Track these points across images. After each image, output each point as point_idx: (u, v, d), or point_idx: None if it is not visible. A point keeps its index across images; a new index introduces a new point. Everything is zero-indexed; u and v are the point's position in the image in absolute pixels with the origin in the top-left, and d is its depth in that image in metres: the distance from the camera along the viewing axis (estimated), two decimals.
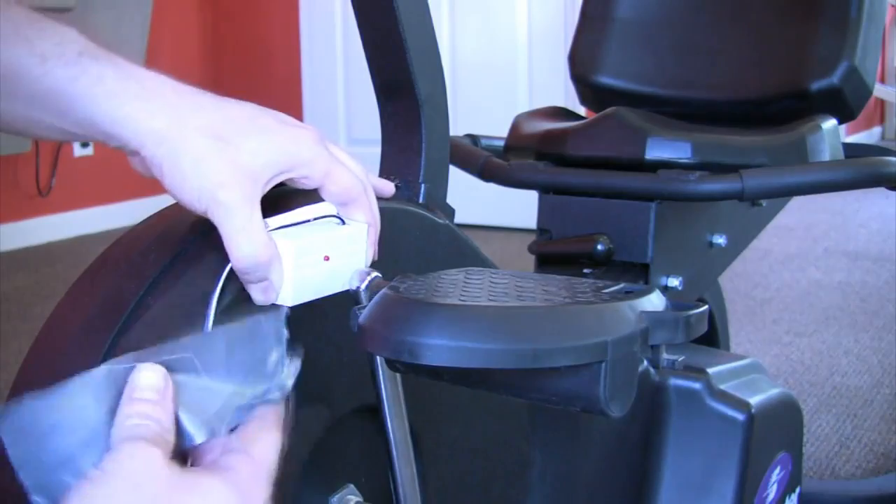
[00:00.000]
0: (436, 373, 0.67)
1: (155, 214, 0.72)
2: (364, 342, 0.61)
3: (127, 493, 0.48)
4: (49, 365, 0.64)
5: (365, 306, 0.63)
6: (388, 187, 0.78)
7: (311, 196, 0.69)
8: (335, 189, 0.67)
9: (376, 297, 0.61)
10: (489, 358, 0.57)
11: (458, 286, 0.63)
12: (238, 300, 0.64)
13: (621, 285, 0.67)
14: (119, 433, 0.51)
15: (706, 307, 0.67)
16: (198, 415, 0.54)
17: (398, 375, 0.75)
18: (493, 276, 0.67)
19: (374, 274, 0.68)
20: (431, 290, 0.61)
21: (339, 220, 0.69)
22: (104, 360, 0.61)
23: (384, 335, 0.59)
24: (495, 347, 0.57)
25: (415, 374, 0.70)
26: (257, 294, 0.64)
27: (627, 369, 0.62)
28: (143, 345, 0.58)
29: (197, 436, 0.54)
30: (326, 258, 0.66)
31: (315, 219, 0.68)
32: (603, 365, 0.60)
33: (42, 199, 3.88)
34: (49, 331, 0.66)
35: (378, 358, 0.74)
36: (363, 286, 0.67)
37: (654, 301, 0.65)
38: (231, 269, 0.64)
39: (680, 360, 0.69)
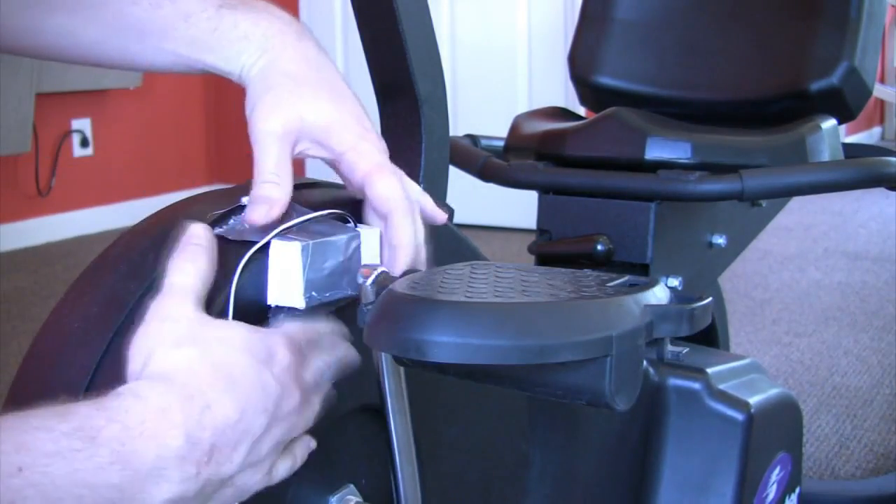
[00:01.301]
0: (442, 368, 0.67)
1: (154, 214, 0.72)
2: (371, 340, 0.61)
3: (159, 324, 0.58)
4: (48, 365, 0.64)
5: (371, 303, 0.63)
6: (440, 215, 0.78)
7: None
8: (372, 194, 0.69)
9: (382, 295, 0.61)
10: (495, 354, 0.57)
11: (463, 281, 0.63)
12: (245, 299, 0.64)
13: (626, 277, 0.67)
14: (170, 274, 0.60)
15: (710, 299, 0.67)
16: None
17: (402, 373, 0.75)
18: (499, 270, 0.67)
19: (381, 269, 0.68)
20: (437, 286, 0.62)
21: (350, 222, 0.69)
22: (102, 360, 0.61)
23: (391, 333, 0.59)
24: (501, 344, 0.57)
25: (421, 369, 0.70)
26: (253, 213, 0.66)
27: (632, 363, 0.62)
28: None
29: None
30: (337, 260, 0.66)
31: (321, 215, 0.68)
32: (608, 359, 0.60)
33: (42, 199, 3.88)
34: (48, 331, 0.66)
35: (382, 355, 0.74)
36: (369, 282, 0.67)
37: (659, 294, 0.65)
38: (239, 272, 0.64)
39: (684, 351, 0.69)
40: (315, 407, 0.65)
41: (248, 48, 0.68)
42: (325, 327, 0.66)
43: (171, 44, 0.68)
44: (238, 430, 0.56)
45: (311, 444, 0.66)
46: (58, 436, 0.49)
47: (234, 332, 0.59)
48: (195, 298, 0.59)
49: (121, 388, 0.55)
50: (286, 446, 0.64)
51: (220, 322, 0.59)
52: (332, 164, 0.72)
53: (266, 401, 0.58)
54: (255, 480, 0.59)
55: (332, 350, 0.66)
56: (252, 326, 0.60)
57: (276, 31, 0.69)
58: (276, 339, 0.60)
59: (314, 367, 0.64)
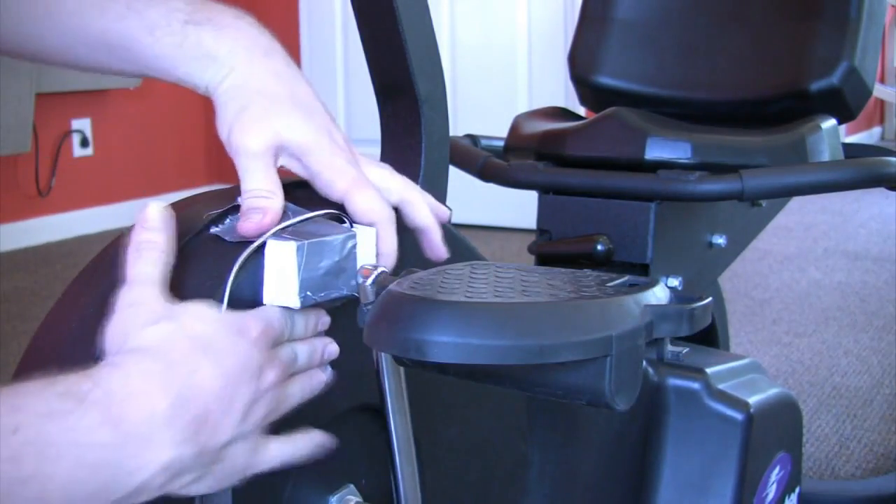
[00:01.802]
0: (442, 368, 0.67)
1: None
2: (370, 340, 0.61)
3: (127, 310, 0.58)
4: (45, 365, 0.64)
5: (371, 303, 0.63)
6: (442, 211, 0.79)
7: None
8: (353, 209, 0.70)
9: (382, 295, 0.61)
10: (495, 354, 0.57)
11: (463, 282, 0.63)
12: (240, 300, 0.64)
13: (626, 278, 0.67)
14: (129, 266, 0.60)
15: (710, 299, 0.67)
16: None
17: (402, 373, 0.75)
18: (499, 270, 0.67)
19: (381, 269, 0.68)
20: (437, 286, 0.62)
21: (346, 222, 0.69)
22: (100, 359, 0.61)
23: (391, 333, 0.59)
24: (501, 344, 0.57)
25: (421, 369, 0.70)
26: (246, 221, 0.66)
27: (632, 363, 0.62)
28: None
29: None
30: (332, 260, 0.66)
31: (317, 215, 0.68)
32: (608, 359, 0.60)
33: (42, 199, 3.88)
34: (45, 331, 0.66)
35: (382, 355, 0.74)
36: (369, 282, 0.67)
37: (659, 294, 0.65)
38: (235, 272, 0.64)
39: (684, 351, 0.69)
40: (298, 389, 0.66)
41: (212, 65, 0.68)
42: (300, 315, 0.67)
43: (137, 56, 0.69)
44: (226, 396, 0.57)
45: (322, 439, 0.67)
46: (49, 397, 0.51)
47: (204, 308, 0.60)
48: (158, 284, 0.60)
49: (103, 362, 0.56)
50: (289, 434, 0.64)
51: (187, 303, 0.60)
52: (309, 180, 0.72)
53: (248, 367, 0.59)
54: (243, 457, 0.60)
55: (309, 338, 0.68)
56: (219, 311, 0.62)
57: (241, 48, 0.69)
58: (245, 315, 0.62)
59: (288, 347, 0.65)
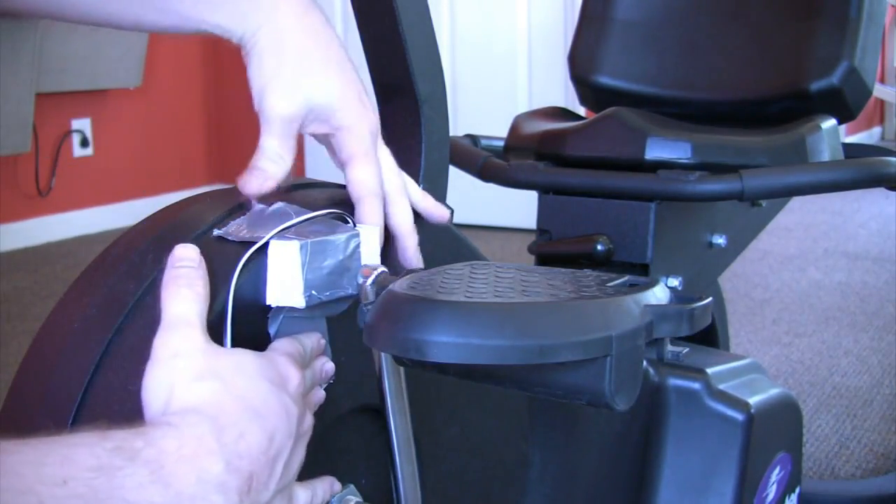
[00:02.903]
0: (442, 368, 0.68)
1: (153, 214, 0.72)
2: (370, 340, 0.61)
3: (171, 361, 0.57)
4: (48, 365, 0.64)
5: (371, 303, 0.63)
6: (442, 212, 0.79)
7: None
8: (348, 177, 0.71)
9: (382, 295, 0.61)
10: (495, 354, 0.57)
11: (463, 281, 0.63)
12: (243, 306, 0.64)
13: (626, 278, 0.67)
14: (167, 305, 0.59)
15: (710, 300, 0.67)
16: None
17: (402, 373, 0.75)
18: (499, 270, 0.68)
19: (381, 269, 0.68)
20: (437, 286, 0.62)
21: (349, 222, 0.70)
22: (102, 360, 0.61)
23: (391, 333, 0.59)
24: (501, 344, 0.57)
25: (421, 369, 0.70)
26: (248, 179, 0.67)
27: (632, 363, 0.62)
28: (142, 345, 0.58)
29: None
30: (336, 259, 0.66)
31: (320, 215, 0.68)
32: (608, 359, 0.60)
33: (42, 199, 3.88)
34: (48, 330, 0.66)
35: (382, 355, 0.74)
36: (369, 282, 0.67)
37: (659, 294, 0.65)
38: (238, 272, 0.64)
39: (684, 351, 0.69)
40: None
41: (254, 11, 0.68)
42: (308, 340, 0.66)
43: (174, 4, 0.68)
44: (271, 457, 0.57)
45: (336, 486, 0.68)
46: (99, 452, 0.50)
47: (246, 359, 0.59)
48: (200, 326, 0.59)
49: (153, 421, 0.55)
50: (308, 481, 0.65)
51: (229, 351, 0.60)
52: (326, 139, 0.73)
53: (290, 423, 0.59)
54: None
55: (313, 363, 0.67)
56: (255, 352, 0.60)
57: (283, 1, 0.69)
58: (282, 360, 0.61)
59: (307, 380, 0.65)
